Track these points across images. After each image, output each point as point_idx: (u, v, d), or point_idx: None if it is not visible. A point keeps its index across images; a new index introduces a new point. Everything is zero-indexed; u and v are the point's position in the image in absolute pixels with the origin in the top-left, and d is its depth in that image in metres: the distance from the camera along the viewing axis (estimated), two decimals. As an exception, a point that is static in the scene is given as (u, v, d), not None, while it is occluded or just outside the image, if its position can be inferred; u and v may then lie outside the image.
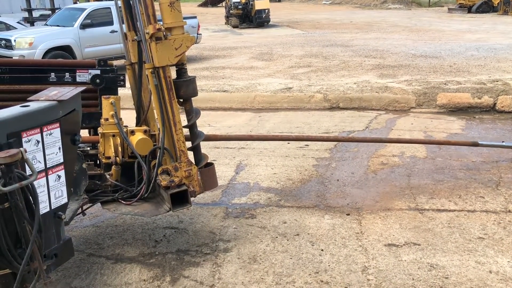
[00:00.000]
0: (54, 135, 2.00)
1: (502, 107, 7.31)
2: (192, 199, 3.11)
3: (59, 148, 2.05)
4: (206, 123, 6.57)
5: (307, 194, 4.24)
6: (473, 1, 26.86)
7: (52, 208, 2.06)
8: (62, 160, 2.07)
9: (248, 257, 3.20)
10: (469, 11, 26.42)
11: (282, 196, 4.21)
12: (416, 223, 3.62)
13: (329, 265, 3.08)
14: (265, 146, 5.61)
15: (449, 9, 28.85)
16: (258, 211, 3.91)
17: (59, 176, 2.07)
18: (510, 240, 3.34)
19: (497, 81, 8.03)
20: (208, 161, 3.31)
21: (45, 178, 2.00)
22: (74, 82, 3.38)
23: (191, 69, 10.01)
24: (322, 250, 3.27)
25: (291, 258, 3.17)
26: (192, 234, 3.54)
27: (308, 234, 3.49)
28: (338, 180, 4.57)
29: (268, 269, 3.05)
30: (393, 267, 3.04)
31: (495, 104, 7.36)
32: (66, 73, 3.38)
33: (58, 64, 3.60)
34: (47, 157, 1.99)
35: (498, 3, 25.36)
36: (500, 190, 4.21)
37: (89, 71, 3.41)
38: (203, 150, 3.32)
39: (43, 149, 1.96)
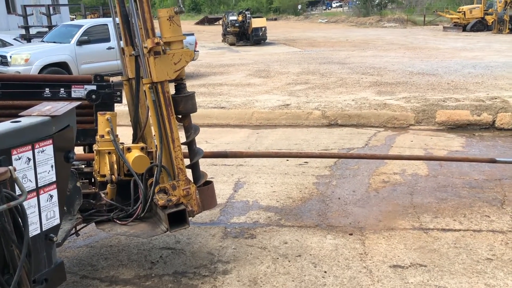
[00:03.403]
0: (46, 152, 1.89)
1: (502, 124, 7.26)
2: (190, 218, 2.99)
3: (52, 166, 1.94)
4: (203, 140, 6.48)
5: (308, 213, 4.12)
6: (468, 20, 27.21)
7: (43, 230, 1.94)
8: (54, 179, 1.96)
9: (248, 280, 3.07)
10: (464, 30, 26.75)
11: (283, 215, 4.10)
12: (421, 243, 3.51)
13: (333, 288, 2.96)
14: (263, 163, 5.51)
15: (444, 27, 29.21)
16: (258, 230, 3.79)
17: (51, 196, 1.95)
18: (519, 261, 3.23)
19: (496, 98, 8.01)
20: (207, 179, 3.20)
21: (36, 198, 1.88)
22: (69, 98, 3.29)
23: (188, 86, 9.90)
24: (325, 272, 3.15)
25: (293, 281, 3.05)
26: (190, 255, 3.41)
27: (310, 255, 3.37)
28: (339, 198, 4.46)
29: (270, 293, 2.92)
30: (400, 290, 2.92)
31: (494, 121, 7.32)
32: (61, 89, 3.29)
33: (53, 79, 3.51)
34: (38, 176, 1.87)
35: (492, 22, 25.68)
36: (505, 209, 4.11)
37: (85, 86, 3.32)
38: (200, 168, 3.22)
39: (35, 167, 1.85)
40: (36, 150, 1.84)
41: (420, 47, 18.07)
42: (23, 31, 17.15)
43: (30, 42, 15.28)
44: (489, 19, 26.15)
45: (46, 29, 16.62)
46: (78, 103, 2.35)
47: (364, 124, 7.49)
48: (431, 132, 7.07)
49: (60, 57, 10.53)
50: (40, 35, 15.39)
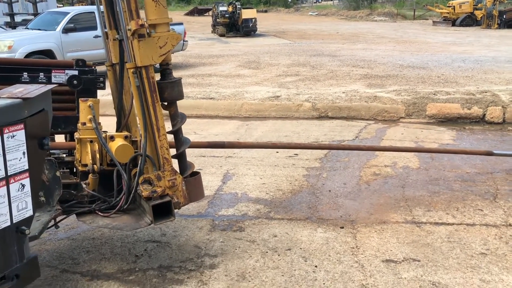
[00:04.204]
0: (17, 137, 1.74)
1: (492, 118, 7.22)
2: (176, 210, 2.86)
3: (24, 153, 1.78)
4: (191, 131, 6.33)
5: (298, 206, 4.02)
6: (457, 15, 27.24)
7: (14, 222, 1.79)
8: (27, 167, 1.81)
9: (236, 274, 2.96)
10: (453, 24, 26.77)
11: (272, 207, 3.98)
12: (414, 237, 3.42)
13: (324, 283, 2.85)
14: (253, 155, 5.39)
15: (433, 22, 29.20)
16: (247, 223, 3.67)
17: (23, 185, 1.81)
18: (513, 256, 3.15)
19: (486, 92, 7.97)
20: (194, 169, 3.07)
21: (5, 187, 1.73)
22: (49, 83, 3.12)
23: (177, 76, 9.76)
24: (316, 266, 3.04)
25: (283, 275, 2.94)
26: (176, 249, 3.28)
27: (301, 248, 3.27)
28: (330, 191, 4.36)
29: (258, 287, 2.81)
30: (393, 286, 2.82)
31: (484, 115, 7.28)
32: (41, 73, 3.12)
33: (32, 63, 3.34)
34: (8, 163, 1.72)
35: (481, 17, 25.75)
36: (498, 203, 4.05)
37: (66, 71, 3.16)
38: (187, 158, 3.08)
39: (4, 153, 1.70)
40: (5, 135, 1.69)
41: (410, 41, 18.03)
42: (8, 19, 16.74)
43: (15, 29, 14.89)
44: (478, 14, 26.20)
45: (32, 17, 16.22)
46: (53, 85, 2.19)
47: (354, 116, 7.40)
48: (421, 125, 7.01)
49: (45, 44, 10.23)
50: (25, 22, 15.01)
